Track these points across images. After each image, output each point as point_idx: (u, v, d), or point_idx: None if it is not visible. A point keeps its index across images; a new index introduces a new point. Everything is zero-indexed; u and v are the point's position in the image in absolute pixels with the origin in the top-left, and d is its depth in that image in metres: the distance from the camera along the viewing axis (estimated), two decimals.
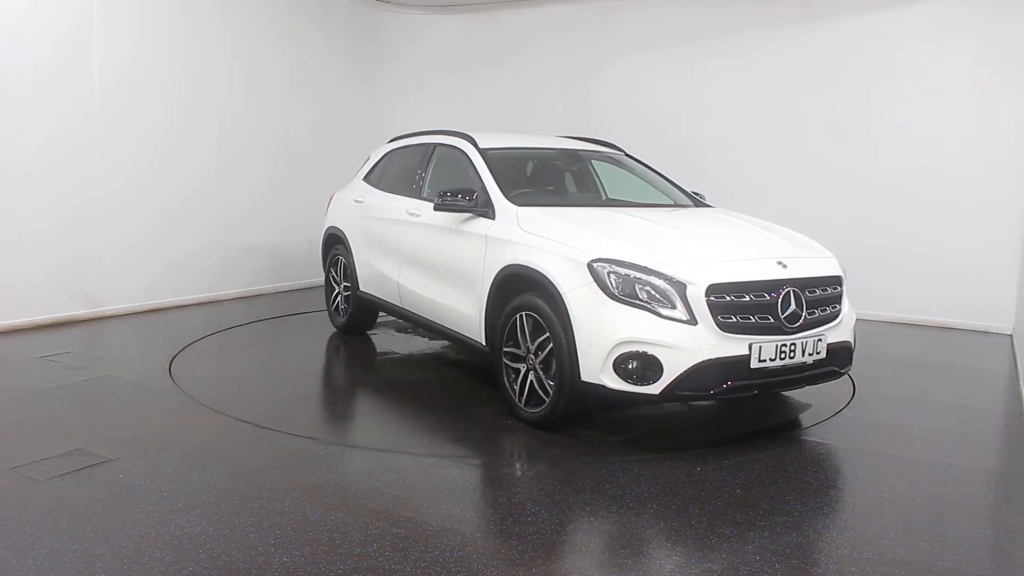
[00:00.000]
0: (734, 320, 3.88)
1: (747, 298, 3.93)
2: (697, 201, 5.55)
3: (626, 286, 3.90)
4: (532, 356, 4.26)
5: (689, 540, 3.03)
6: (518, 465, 3.85)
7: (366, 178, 6.55)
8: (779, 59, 8.06)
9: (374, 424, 4.68)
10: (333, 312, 6.78)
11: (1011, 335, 7.06)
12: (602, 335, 3.90)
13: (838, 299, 4.32)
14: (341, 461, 3.81)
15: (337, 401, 5.14)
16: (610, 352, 3.87)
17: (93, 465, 3.59)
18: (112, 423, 4.26)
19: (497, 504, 3.37)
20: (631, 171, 5.85)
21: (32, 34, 6.17)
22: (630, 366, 3.85)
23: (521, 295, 4.36)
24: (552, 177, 5.76)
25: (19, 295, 6.21)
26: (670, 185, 5.70)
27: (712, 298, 3.85)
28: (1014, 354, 6.43)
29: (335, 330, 6.71)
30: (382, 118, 9.73)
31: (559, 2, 9.11)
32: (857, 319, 4.56)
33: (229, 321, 6.90)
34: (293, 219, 8.71)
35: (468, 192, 4.84)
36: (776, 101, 8.08)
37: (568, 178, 5.87)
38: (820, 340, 4.10)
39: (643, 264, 3.93)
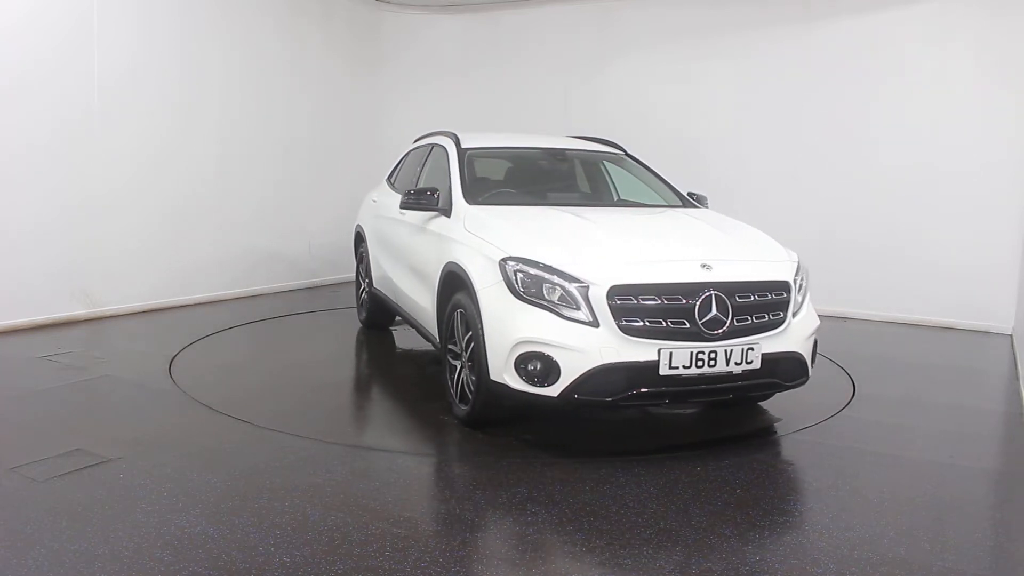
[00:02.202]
0: (641, 324, 3.72)
1: (658, 301, 3.75)
2: (686, 201, 5.36)
3: (532, 285, 3.85)
4: (464, 354, 4.25)
5: (689, 540, 3.03)
6: (519, 465, 3.84)
7: (388, 178, 6.69)
8: (779, 59, 8.05)
9: (375, 423, 4.69)
10: (359, 307, 7.02)
11: (1011, 335, 7.06)
12: (505, 334, 3.86)
13: (782, 306, 4.01)
14: (341, 461, 3.80)
15: (338, 400, 5.11)
16: (511, 351, 3.82)
17: (93, 465, 3.59)
18: (112, 423, 4.26)
19: (497, 504, 3.37)
20: (629, 171, 5.78)
21: (32, 34, 6.17)
22: (530, 367, 3.79)
23: (456, 293, 4.36)
24: (537, 177, 5.64)
25: (19, 295, 6.21)
26: (663, 185, 5.57)
27: (616, 300, 3.72)
28: (1014, 354, 6.43)
29: (359, 325, 6.95)
30: (382, 118, 9.74)
31: (559, 2, 9.11)
32: (820, 324, 4.30)
33: (229, 321, 6.90)
34: (293, 219, 8.72)
35: (431, 190, 4.90)
36: (776, 101, 8.08)
37: (555, 178, 5.72)
38: (752, 349, 3.84)
39: (547, 263, 3.86)
